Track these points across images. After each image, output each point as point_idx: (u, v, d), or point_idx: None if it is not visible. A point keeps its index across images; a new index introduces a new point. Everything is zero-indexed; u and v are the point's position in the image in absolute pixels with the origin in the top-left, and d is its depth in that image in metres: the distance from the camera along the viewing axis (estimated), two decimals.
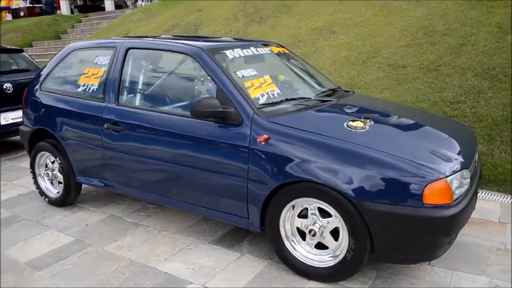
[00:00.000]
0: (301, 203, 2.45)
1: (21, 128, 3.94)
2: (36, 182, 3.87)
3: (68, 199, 3.69)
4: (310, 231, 2.46)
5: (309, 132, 2.39)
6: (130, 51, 3.19)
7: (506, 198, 3.51)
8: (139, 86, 3.13)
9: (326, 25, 6.70)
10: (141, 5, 15.90)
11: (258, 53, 3.14)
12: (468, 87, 4.55)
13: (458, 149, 2.48)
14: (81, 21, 13.84)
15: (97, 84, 3.29)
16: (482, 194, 3.60)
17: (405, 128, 2.65)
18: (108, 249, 3.01)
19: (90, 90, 3.33)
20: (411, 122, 2.79)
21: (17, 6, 19.79)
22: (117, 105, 3.13)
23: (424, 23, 5.73)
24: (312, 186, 2.32)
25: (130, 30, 9.52)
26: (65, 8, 17.91)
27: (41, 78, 3.76)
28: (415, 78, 4.94)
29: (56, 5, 18.61)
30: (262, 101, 2.66)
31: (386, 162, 2.18)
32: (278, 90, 2.82)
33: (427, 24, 5.67)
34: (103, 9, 16.65)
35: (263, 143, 2.45)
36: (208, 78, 2.75)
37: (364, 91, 5.13)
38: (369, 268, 2.59)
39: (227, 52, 2.91)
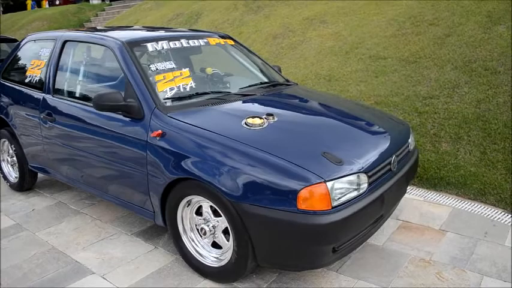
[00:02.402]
0: (195, 200, 2.41)
1: None
2: (0, 168, 4.07)
3: (24, 184, 3.85)
4: (201, 229, 2.42)
5: (200, 129, 2.33)
6: (67, 43, 3.24)
7: (462, 203, 3.27)
8: (70, 78, 3.18)
9: (318, 14, 6.47)
10: None
11: (189, 45, 3.08)
12: (445, 81, 4.24)
13: (366, 150, 2.32)
14: (104, 10, 14.24)
15: (39, 75, 3.38)
16: (436, 197, 3.38)
17: (313, 126, 2.49)
18: (39, 235, 3.11)
19: (34, 81, 3.43)
20: (328, 119, 2.64)
21: None
22: (52, 96, 3.21)
23: (414, 12, 5.38)
24: (199, 184, 2.27)
25: (140, 20, 9.68)
26: None
27: (1, 68, 3.92)
28: (393, 71, 4.67)
29: None
30: (169, 95, 2.62)
31: (265, 163, 2.08)
32: (193, 84, 2.77)
33: (416, 13, 5.32)
34: None
35: (158, 138, 2.42)
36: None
37: (340, 83, 4.93)
38: (270, 271, 2.51)
39: (149, 45, 2.88)
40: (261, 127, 2.34)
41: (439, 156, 3.69)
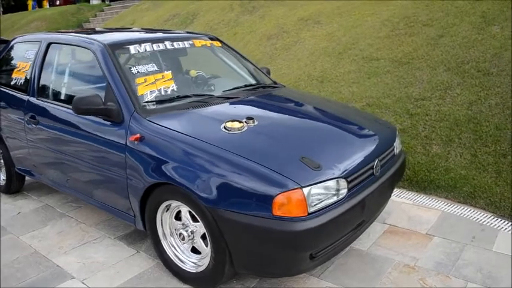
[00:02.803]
0: (174, 205, 2.37)
1: None
2: None
3: (11, 187, 3.83)
4: (179, 234, 2.39)
5: (178, 133, 2.30)
6: (51, 46, 3.22)
7: (451, 207, 3.22)
8: (53, 80, 3.15)
9: (313, 15, 6.42)
10: None
11: (173, 47, 3.04)
12: (437, 82, 4.19)
13: (347, 154, 2.28)
14: (103, 10, 14.24)
15: (24, 77, 3.36)
16: (425, 201, 3.33)
17: (294, 130, 2.45)
18: (22, 239, 3.08)
19: (19, 84, 3.40)
20: (311, 122, 2.60)
21: None
22: (36, 98, 3.18)
23: (408, 12, 5.33)
24: (176, 189, 2.23)
25: (136, 20, 9.67)
26: None
27: None
28: (386, 72, 4.63)
29: None
30: (149, 98, 2.59)
31: (241, 168, 2.04)
32: (174, 87, 2.73)
33: (410, 13, 5.27)
34: None
35: (136, 142, 2.39)
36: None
37: (333, 85, 4.89)
38: (251, 276, 2.47)
39: (131, 47, 2.84)
40: (239, 131, 2.30)
41: (429, 159, 3.65)
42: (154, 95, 2.62)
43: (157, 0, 10.25)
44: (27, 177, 3.83)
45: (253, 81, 3.29)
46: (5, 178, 3.86)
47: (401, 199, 3.41)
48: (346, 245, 2.33)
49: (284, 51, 6.11)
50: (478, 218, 3.04)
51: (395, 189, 3.55)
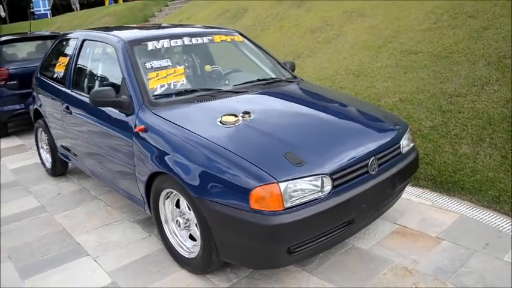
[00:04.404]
0: (175, 192, 2.51)
1: (30, 107, 4.60)
2: (39, 154, 4.53)
3: (56, 170, 4.25)
4: (176, 221, 2.53)
5: (175, 125, 2.42)
6: (85, 42, 3.51)
7: (472, 210, 3.03)
8: (84, 74, 3.44)
9: (358, 7, 6.24)
10: None
11: (191, 43, 3.18)
12: (474, 78, 3.91)
13: (338, 151, 2.26)
14: (167, 5, 14.89)
15: (63, 71, 3.70)
16: (446, 202, 3.17)
17: (289, 125, 2.44)
18: (55, 217, 3.43)
19: (59, 77, 3.76)
20: (309, 118, 2.58)
21: None
22: (71, 91, 3.50)
23: (454, 3, 4.98)
24: (172, 179, 2.37)
25: (192, 16, 10.02)
26: None
27: (40, 64, 4.34)
28: (423, 67, 4.40)
29: None
30: (159, 91, 2.75)
31: (226, 160, 2.12)
32: (185, 81, 2.87)
33: (456, 4, 4.93)
34: None
35: (141, 133, 2.56)
36: None
37: (368, 79, 4.76)
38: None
39: (149, 43, 3.02)
40: (233, 125, 2.37)
41: (456, 159, 3.44)
42: (164, 88, 2.77)
43: None
44: None
45: (270, 76, 3.33)
46: (51, 162, 4.29)
47: (420, 199, 3.27)
48: (333, 243, 2.32)
49: (326, 45, 6.02)
50: (498, 224, 2.83)
51: (418, 189, 3.42)
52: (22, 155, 5.19)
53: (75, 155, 3.63)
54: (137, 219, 3.28)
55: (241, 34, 3.63)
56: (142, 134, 2.55)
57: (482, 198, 3.11)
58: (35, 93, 4.34)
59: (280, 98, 2.89)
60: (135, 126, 2.60)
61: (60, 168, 4.22)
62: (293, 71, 3.59)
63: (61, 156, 4.00)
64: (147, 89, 2.73)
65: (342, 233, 2.29)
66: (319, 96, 3.03)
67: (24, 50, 6.55)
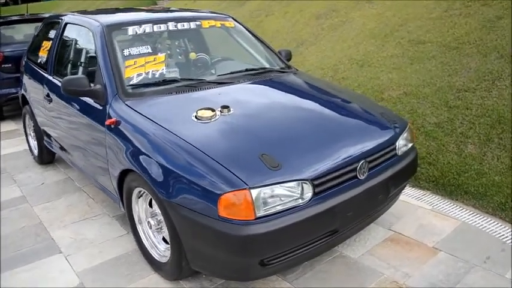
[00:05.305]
0: (146, 192, 2.33)
1: (19, 92, 4.45)
2: (27, 140, 4.39)
3: (43, 158, 4.10)
4: (148, 223, 2.35)
5: (148, 119, 2.22)
6: (67, 26, 3.31)
7: (475, 217, 2.79)
8: (63, 60, 3.25)
9: None
10: None
11: (176, 28, 2.95)
12: (485, 71, 3.62)
13: (322, 153, 2.03)
14: None
15: (46, 56, 3.52)
16: (447, 207, 2.93)
17: (270, 122, 2.21)
18: (35, 209, 3.29)
19: (42, 62, 3.58)
20: (294, 115, 2.32)
21: None
22: (52, 77, 3.32)
23: None
24: (141, 177, 2.18)
25: None
26: None
27: (27, 48, 4.16)
28: (430, 58, 4.11)
29: None
30: (135, 81, 2.54)
31: (195, 161, 1.91)
32: (164, 70, 2.66)
33: None
34: None
35: (112, 125, 2.37)
36: None
37: (372, 70, 4.48)
38: None
39: (130, 28, 2.80)
40: (209, 121, 2.16)
41: (461, 160, 3.19)
42: (140, 78, 2.56)
43: None
44: None
45: (261, 65, 3.09)
46: (37, 149, 4.15)
47: (419, 202, 3.03)
48: (313, 254, 2.10)
49: (330, 32, 5.73)
50: (502, 234, 2.59)
51: (418, 191, 3.18)
52: (13, 141, 5.07)
53: (56, 143, 3.47)
54: (117, 215, 3.11)
55: (234, 19, 3.38)
56: (113, 127, 2.36)
57: (487, 204, 2.86)
58: (22, 78, 4.18)
59: (267, 91, 2.66)
60: (107, 119, 2.41)
61: (46, 156, 4.07)
62: (289, 60, 3.35)
63: (46, 144, 3.85)
64: (123, 77, 2.52)
65: (324, 243, 2.08)
66: (311, 90, 2.79)
67: (21, 33, 6.38)
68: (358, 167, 2.09)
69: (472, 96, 3.51)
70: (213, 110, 2.21)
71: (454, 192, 3.05)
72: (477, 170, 3.07)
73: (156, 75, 2.61)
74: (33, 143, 4.27)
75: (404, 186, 2.66)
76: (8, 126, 5.80)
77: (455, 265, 2.36)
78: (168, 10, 3.53)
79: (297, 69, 3.22)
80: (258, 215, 1.78)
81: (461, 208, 2.93)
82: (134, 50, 2.68)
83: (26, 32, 6.46)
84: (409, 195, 3.14)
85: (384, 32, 4.90)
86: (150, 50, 2.72)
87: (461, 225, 2.73)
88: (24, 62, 4.14)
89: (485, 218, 2.79)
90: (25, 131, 4.40)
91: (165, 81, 2.59)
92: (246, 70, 2.90)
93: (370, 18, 5.33)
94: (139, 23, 2.87)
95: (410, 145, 2.53)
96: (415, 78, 4.00)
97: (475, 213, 2.84)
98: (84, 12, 3.46)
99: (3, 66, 5.72)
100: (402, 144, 2.44)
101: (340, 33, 5.47)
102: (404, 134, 2.47)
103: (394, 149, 2.36)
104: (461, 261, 2.38)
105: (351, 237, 2.60)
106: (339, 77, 4.66)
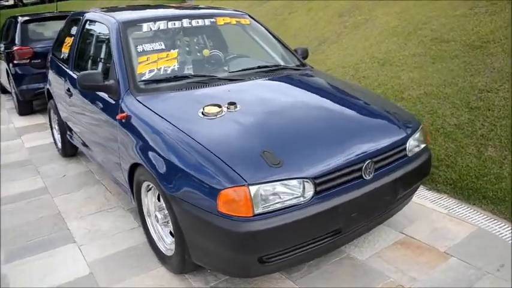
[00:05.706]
0: (153, 186, 2.37)
1: (45, 87, 4.61)
2: (52, 134, 4.55)
3: (66, 151, 4.24)
4: (155, 216, 2.39)
5: (156, 115, 2.26)
6: (87, 23, 3.40)
7: (492, 223, 2.69)
8: (83, 55, 3.34)
9: None
10: None
11: (191, 25, 2.99)
12: (509, 71, 3.48)
13: (325, 152, 2.00)
14: None
15: (67, 52, 3.63)
16: (464, 212, 2.84)
17: (276, 120, 2.19)
18: (55, 200, 3.41)
19: (65, 58, 3.69)
20: (301, 113, 2.30)
21: None
22: (73, 73, 3.42)
23: None
24: (148, 172, 2.22)
25: None
26: None
27: (53, 44, 4.31)
28: (453, 57, 3.98)
29: None
30: (146, 77, 2.59)
31: (198, 157, 1.93)
32: (176, 66, 2.69)
33: None
34: None
35: (123, 120, 2.42)
36: None
37: (393, 69, 4.38)
38: None
39: (144, 25, 2.86)
40: (215, 117, 2.18)
41: (480, 163, 3.08)
42: (152, 74, 2.61)
43: None
44: None
45: (276, 62, 3.09)
46: (61, 142, 4.29)
47: (435, 206, 2.95)
48: (318, 253, 2.08)
49: (353, 30, 5.64)
50: None
51: (434, 193, 3.09)
52: (42, 134, 5.26)
53: (77, 137, 3.59)
54: (131, 208, 3.18)
55: (251, 17, 3.39)
56: (124, 122, 2.42)
57: (505, 210, 2.75)
58: (47, 73, 4.33)
59: (276, 88, 2.65)
60: (119, 113, 2.47)
61: (69, 149, 4.20)
62: (305, 58, 3.33)
63: (68, 138, 3.98)
64: (135, 73, 2.58)
65: (327, 244, 2.05)
66: (323, 87, 2.76)
67: (50, 29, 6.61)
68: (363, 167, 2.06)
69: (494, 97, 3.38)
70: (219, 106, 2.23)
71: (472, 196, 2.95)
72: (496, 174, 2.96)
73: (168, 72, 2.65)
74: (57, 136, 4.42)
75: (417, 188, 2.60)
76: (38, 119, 6.03)
77: (466, 272, 2.28)
78: (195, 8, 3.54)
79: (312, 67, 3.20)
80: (257, 212, 1.79)
81: (478, 213, 2.83)
82: (148, 47, 2.73)
83: (55, 28, 6.68)
84: (425, 197, 3.06)
85: (407, 30, 4.78)
86: (163, 47, 2.76)
87: (477, 231, 2.64)
88: (49, 58, 4.29)
89: (502, 224, 2.68)
90: (50, 125, 4.57)
91: (176, 78, 2.63)
92: (259, 67, 2.90)
93: (394, 15, 5.21)
94: (154, 19, 2.92)
95: (422, 146, 2.46)
96: (436, 78, 3.89)
97: (492, 219, 2.74)
98: (111, 9, 3.54)
99: (33, 62, 5.95)
100: (413, 145, 2.38)
101: (362, 31, 5.38)
102: (416, 135, 2.40)
103: (404, 149, 2.31)
104: (473, 268, 2.30)
105: (360, 239, 2.57)
106: (359, 76, 4.59)
